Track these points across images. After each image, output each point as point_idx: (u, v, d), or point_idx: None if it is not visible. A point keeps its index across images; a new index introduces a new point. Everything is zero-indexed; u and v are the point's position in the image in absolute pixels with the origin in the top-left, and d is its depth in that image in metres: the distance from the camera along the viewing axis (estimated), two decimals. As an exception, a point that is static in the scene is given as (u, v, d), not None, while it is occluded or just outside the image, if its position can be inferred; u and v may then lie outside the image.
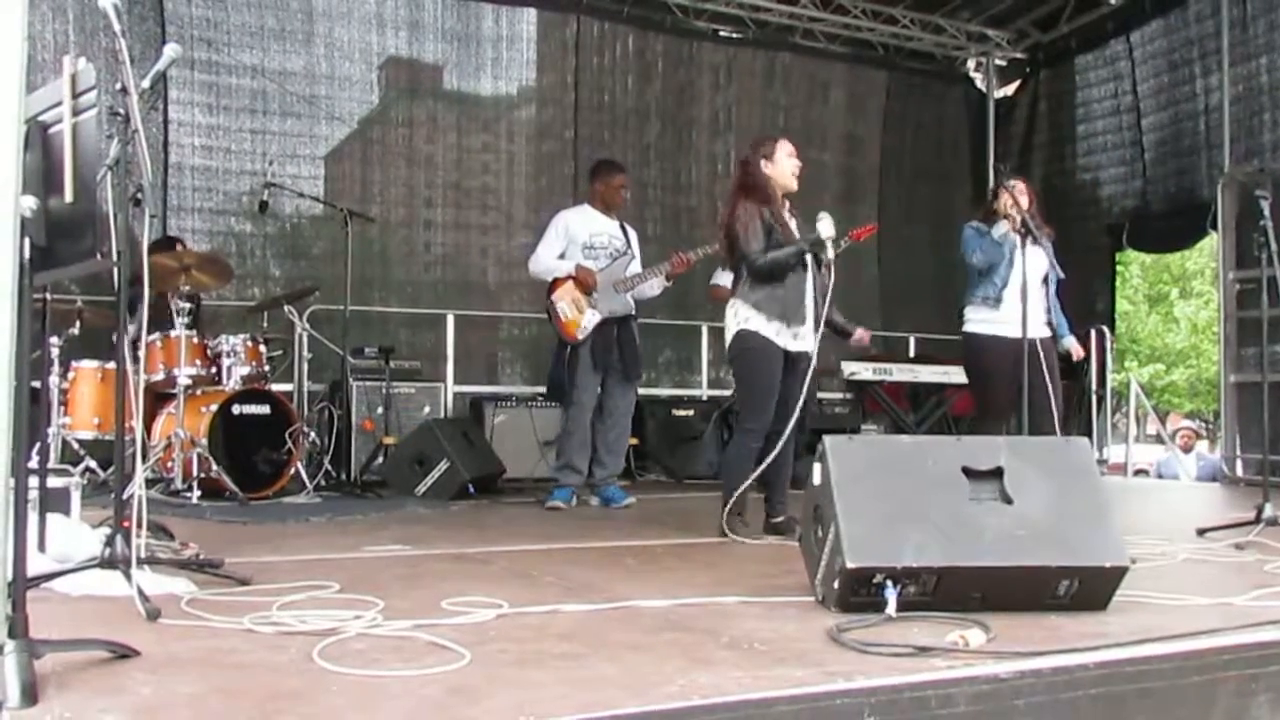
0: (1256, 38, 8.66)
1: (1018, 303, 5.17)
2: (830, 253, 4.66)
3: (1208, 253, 20.83)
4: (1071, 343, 5.76)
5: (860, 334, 5.21)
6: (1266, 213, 4.86)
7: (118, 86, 3.07)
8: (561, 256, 6.26)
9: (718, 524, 4.83)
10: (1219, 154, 8.94)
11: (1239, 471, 8.64)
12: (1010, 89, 11.15)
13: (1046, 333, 5.45)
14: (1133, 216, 9.87)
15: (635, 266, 6.37)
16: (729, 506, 4.79)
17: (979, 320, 5.47)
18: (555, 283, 6.20)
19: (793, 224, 4.87)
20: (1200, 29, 9.16)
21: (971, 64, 11.14)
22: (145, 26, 7.63)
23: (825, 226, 4.65)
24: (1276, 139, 8.57)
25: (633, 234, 6.52)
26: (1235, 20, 8.79)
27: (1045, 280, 5.46)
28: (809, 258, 4.78)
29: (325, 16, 8.39)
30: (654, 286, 6.34)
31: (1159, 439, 22.98)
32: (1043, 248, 5.26)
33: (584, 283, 6.15)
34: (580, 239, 6.25)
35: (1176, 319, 25.10)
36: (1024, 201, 5.29)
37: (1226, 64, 8.82)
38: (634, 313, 6.36)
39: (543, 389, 8.00)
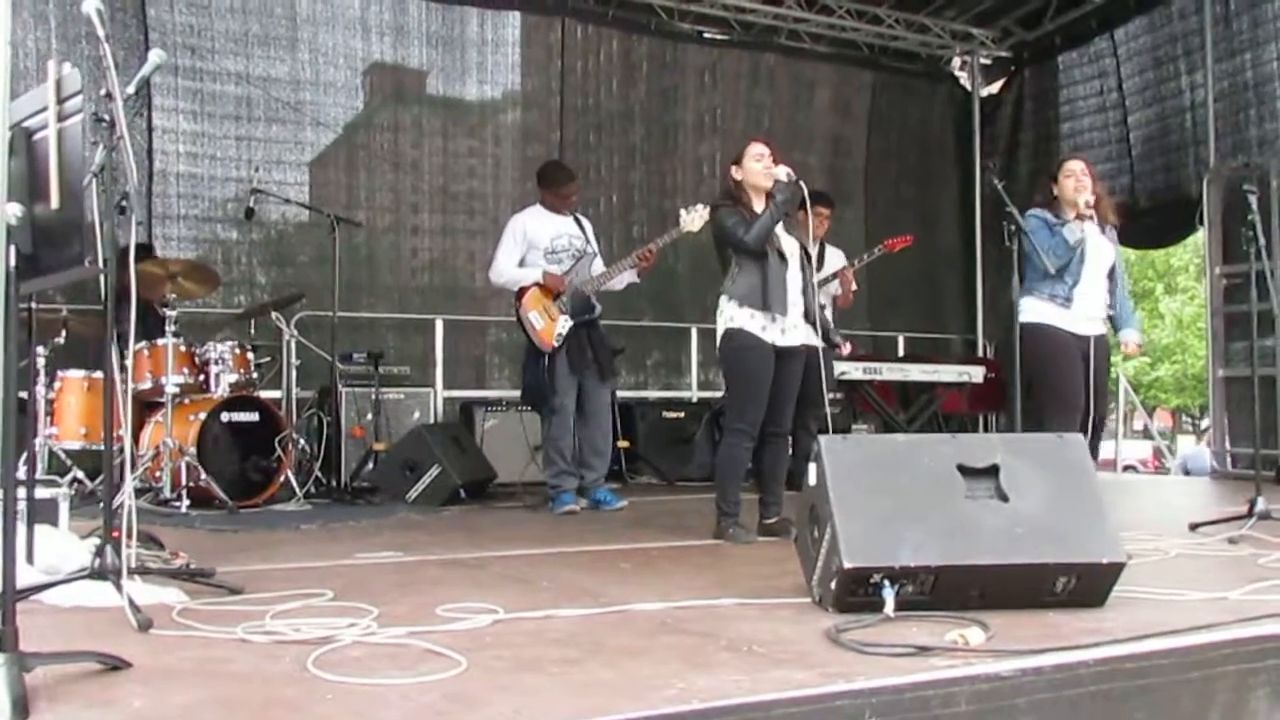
0: (1240, 33, 8.69)
1: (1087, 300, 5.09)
2: (787, 189, 4.68)
3: (1192, 248, 20.95)
4: (1129, 335, 5.38)
5: (846, 349, 5.15)
6: (1255, 208, 4.86)
7: (102, 92, 3.04)
8: (521, 262, 6.22)
9: (713, 529, 4.81)
10: (1204, 150, 8.95)
11: (1228, 465, 8.67)
12: (995, 87, 11.16)
13: (1104, 330, 5.21)
14: (1119, 213, 9.87)
15: (598, 264, 6.34)
16: (726, 512, 4.78)
17: (1045, 313, 5.12)
18: (521, 291, 6.17)
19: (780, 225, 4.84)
20: (1184, 25, 9.18)
21: (956, 63, 11.14)
22: (128, 33, 7.57)
23: (777, 171, 4.73)
24: (1262, 134, 8.60)
25: (589, 227, 6.48)
26: (1218, 16, 8.82)
27: (1110, 273, 5.22)
28: (790, 249, 4.80)
29: (309, 22, 8.34)
30: (621, 280, 6.31)
31: (1146, 434, 23.09)
32: (1108, 236, 5.10)
33: (552, 288, 6.12)
34: (541, 244, 6.22)
35: (1162, 315, 25.24)
36: (1088, 184, 5.08)
37: (1210, 60, 8.84)
38: (600, 312, 6.33)
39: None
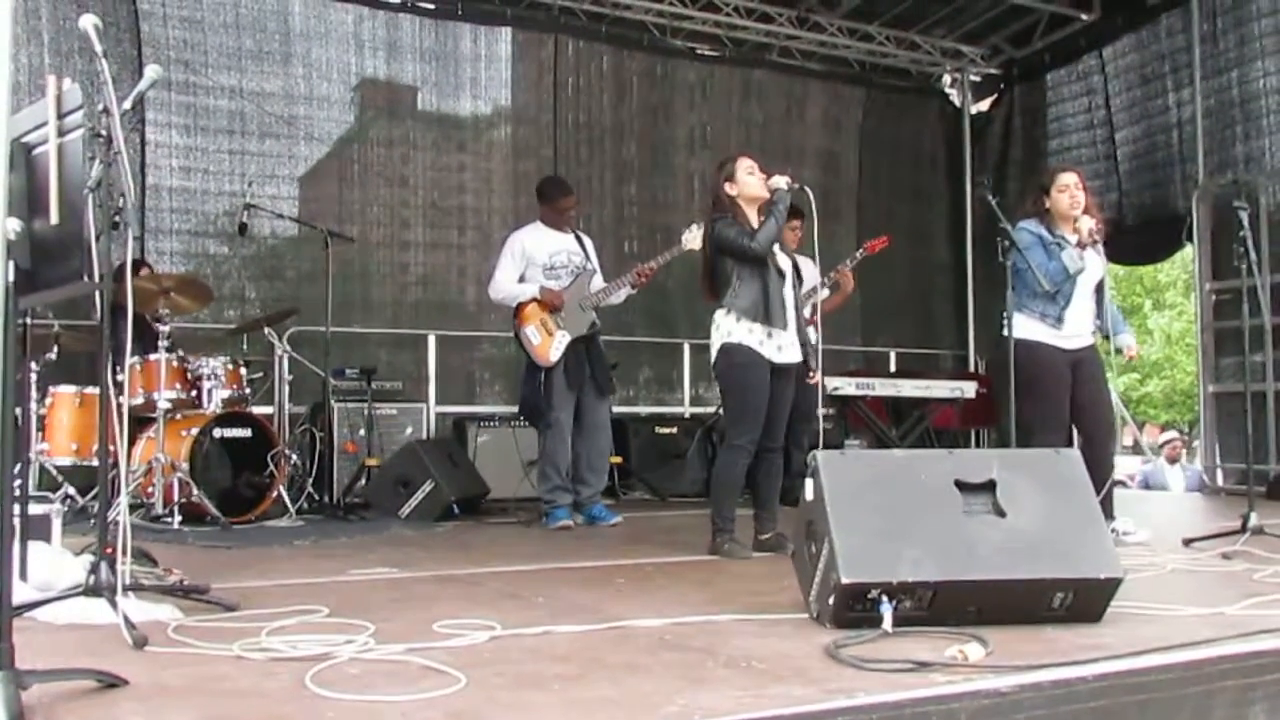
0: (1227, 51, 8.76)
1: (1077, 319, 5.06)
2: (788, 196, 4.76)
3: (1180, 264, 21.04)
4: (1126, 340, 5.32)
5: (815, 378, 5.10)
6: (1245, 224, 4.88)
7: (99, 108, 3.03)
8: (521, 278, 6.23)
9: (708, 544, 4.80)
10: (1192, 167, 9.02)
11: (1219, 481, 8.70)
12: (985, 104, 11.23)
13: (1092, 340, 5.16)
14: (1108, 229, 9.92)
15: (598, 280, 6.35)
16: (721, 527, 4.77)
17: (1035, 331, 5.05)
18: (520, 307, 6.18)
19: None
20: (1171, 44, 9.25)
21: (946, 80, 11.21)
22: (121, 48, 7.56)
23: (775, 180, 4.77)
24: (1249, 151, 8.66)
25: (589, 244, 6.49)
26: (1205, 35, 8.89)
27: (1098, 286, 5.16)
28: (785, 265, 4.84)
29: (303, 37, 8.34)
30: (619, 295, 6.33)
31: (1136, 449, 23.16)
32: (1097, 250, 5.06)
33: (550, 304, 6.12)
34: (539, 260, 6.23)
35: (1150, 331, 25.32)
36: (1082, 199, 5.03)
37: (1198, 78, 8.90)
38: (600, 328, 6.34)
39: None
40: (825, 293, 7.19)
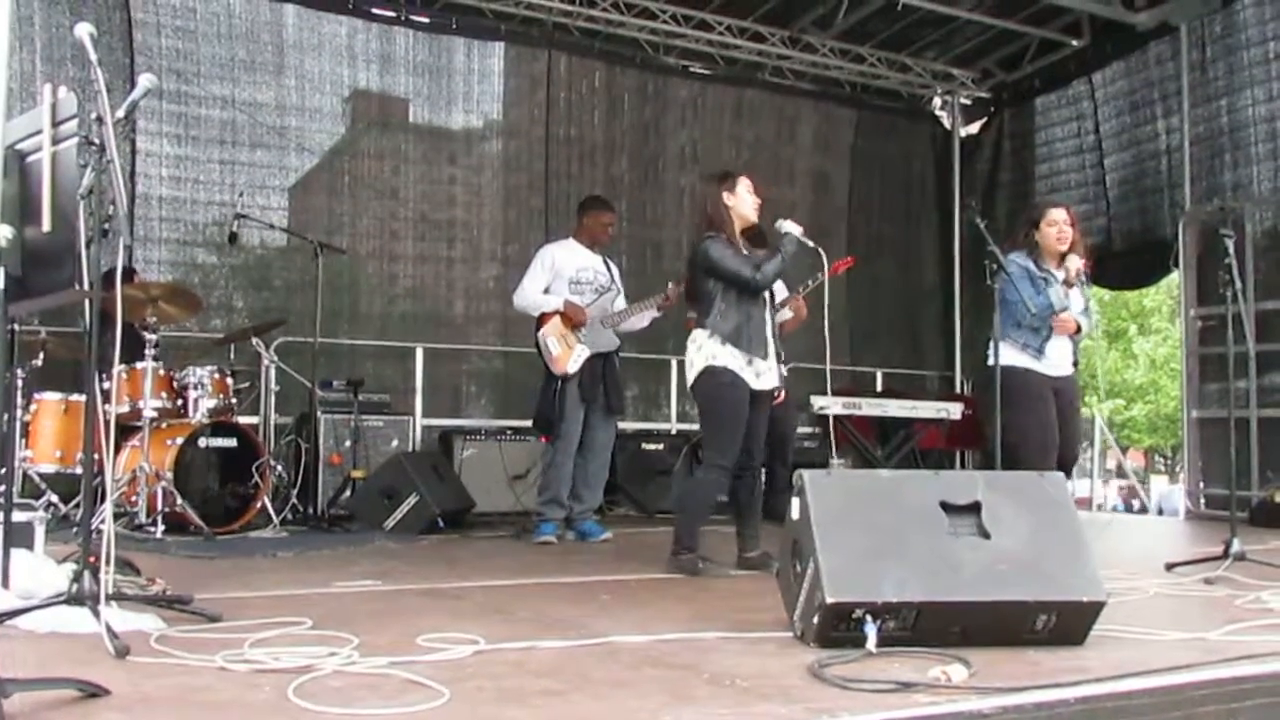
0: (1216, 80, 8.84)
1: (1058, 350, 5.16)
2: (795, 243, 4.79)
3: (1165, 290, 21.16)
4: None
5: (780, 397, 5.16)
6: (1231, 251, 4.92)
7: (93, 116, 3.03)
8: (546, 291, 6.26)
9: (666, 559, 4.79)
10: (1180, 193, 9.08)
11: (1202, 506, 8.74)
12: (975, 127, 11.29)
13: (1071, 370, 5.31)
14: (1095, 254, 9.98)
15: (620, 302, 6.39)
16: (684, 544, 4.76)
17: (1018, 359, 5.16)
18: (543, 317, 6.21)
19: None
20: (1160, 71, 9.33)
21: (937, 102, 11.28)
22: (114, 57, 7.54)
23: (789, 225, 4.82)
24: (1236, 179, 8.73)
25: (615, 269, 6.55)
26: (1195, 63, 8.96)
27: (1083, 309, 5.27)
28: (766, 295, 4.88)
29: (296, 48, 8.34)
30: (644, 319, 6.37)
31: (1120, 473, 23.26)
32: (1081, 289, 5.18)
33: (572, 318, 6.15)
34: (566, 274, 6.26)
35: (1135, 355, 25.45)
36: (1069, 235, 5.14)
37: (1187, 105, 8.98)
38: (618, 348, 6.36)
39: (512, 422, 8.02)
40: (786, 313, 7.17)
